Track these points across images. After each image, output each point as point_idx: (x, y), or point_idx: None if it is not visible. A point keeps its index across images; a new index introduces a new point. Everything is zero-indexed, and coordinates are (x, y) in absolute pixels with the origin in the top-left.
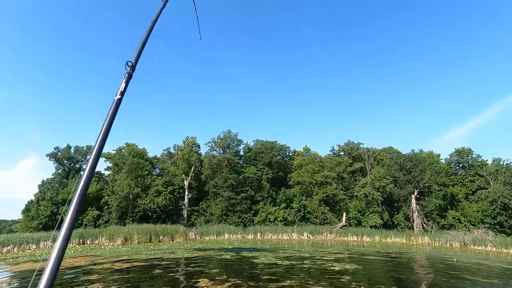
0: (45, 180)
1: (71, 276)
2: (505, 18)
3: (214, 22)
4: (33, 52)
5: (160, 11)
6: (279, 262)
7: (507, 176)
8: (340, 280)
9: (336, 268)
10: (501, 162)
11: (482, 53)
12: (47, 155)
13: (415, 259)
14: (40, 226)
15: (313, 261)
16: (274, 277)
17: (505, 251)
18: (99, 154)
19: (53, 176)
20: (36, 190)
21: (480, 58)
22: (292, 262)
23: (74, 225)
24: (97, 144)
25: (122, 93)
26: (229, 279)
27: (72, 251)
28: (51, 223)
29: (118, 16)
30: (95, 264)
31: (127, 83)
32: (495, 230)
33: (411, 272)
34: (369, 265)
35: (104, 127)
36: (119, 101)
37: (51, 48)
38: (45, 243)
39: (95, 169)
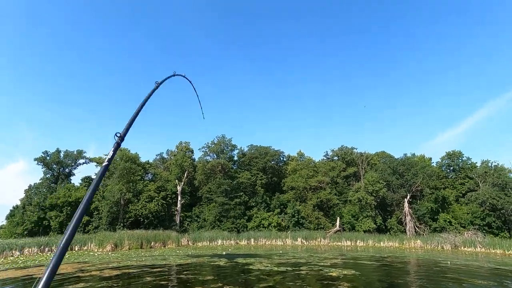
0: (32, 185)
1: (54, 284)
2: (495, 23)
3: (210, 27)
4: (30, 57)
5: (152, 92)
6: (275, 268)
7: (495, 178)
8: (339, 286)
9: (334, 274)
10: (489, 164)
11: (470, 59)
12: (35, 159)
13: (410, 263)
14: (25, 232)
15: (309, 267)
16: (271, 284)
17: (493, 251)
18: (84, 211)
19: (41, 180)
20: (22, 195)
21: (469, 63)
22: (288, 268)
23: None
24: (84, 203)
25: (110, 160)
26: (224, 287)
27: None
28: (38, 229)
29: (114, 22)
30: (82, 271)
31: (115, 151)
32: (484, 231)
33: (409, 277)
34: (366, 270)
35: (92, 187)
36: (106, 167)
37: (49, 52)
38: (30, 249)
39: (79, 224)
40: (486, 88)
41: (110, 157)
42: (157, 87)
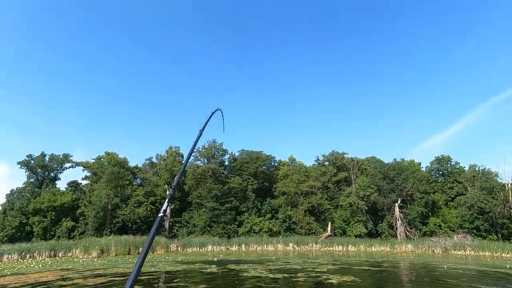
0: (15, 189)
1: None
2: (483, 25)
3: (200, 31)
4: (16, 57)
5: (196, 141)
6: (271, 275)
7: (482, 182)
8: None
9: (333, 281)
10: (477, 169)
11: (459, 62)
12: (18, 163)
13: (407, 268)
14: (5, 239)
15: (306, 274)
16: None
17: (482, 254)
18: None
19: (24, 185)
20: (3, 200)
21: (457, 67)
22: (285, 275)
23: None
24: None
25: (164, 212)
26: None
27: (40, 265)
28: (19, 235)
29: (101, 23)
30: (64, 280)
31: (169, 203)
32: (472, 234)
33: (411, 283)
34: (365, 276)
35: (149, 240)
36: (162, 218)
37: (35, 53)
38: (10, 256)
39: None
40: (473, 93)
41: (165, 208)
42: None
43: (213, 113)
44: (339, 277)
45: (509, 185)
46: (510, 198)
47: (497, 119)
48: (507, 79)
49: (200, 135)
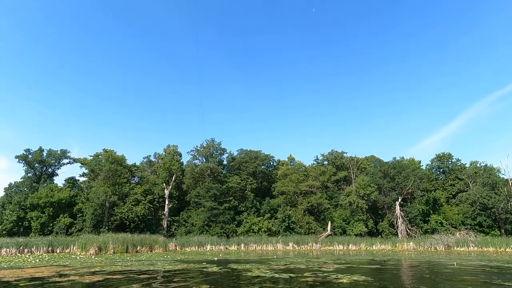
0: (13, 183)
1: None
2: (478, 23)
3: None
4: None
5: None
6: (276, 275)
7: (485, 178)
8: None
9: (344, 281)
10: (478, 165)
11: (456, 59)
12: (16, 157)
13: (416, 265)
14: (4, 232)
15: (313, 273)
16: None
17: (485, 249)
18: None
19: (22, 179)
20: (2, 194)
21: (454, 64)
22: (291, 274)
23: None
24: None
25: None
26: None
27: (37, 260)
28: (17, 229)
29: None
30: (60, 276)
31: None
32: (475, 230)
33: (430, 280)
34: (375, 275)
35: None
36: None
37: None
38: (8, 250)
39: None
40: (470, 92)
41: None
42: None
43: None
44: (348, 276)
45: None
46: None
47: (497, 115)
48: (507, 75)
49: None
